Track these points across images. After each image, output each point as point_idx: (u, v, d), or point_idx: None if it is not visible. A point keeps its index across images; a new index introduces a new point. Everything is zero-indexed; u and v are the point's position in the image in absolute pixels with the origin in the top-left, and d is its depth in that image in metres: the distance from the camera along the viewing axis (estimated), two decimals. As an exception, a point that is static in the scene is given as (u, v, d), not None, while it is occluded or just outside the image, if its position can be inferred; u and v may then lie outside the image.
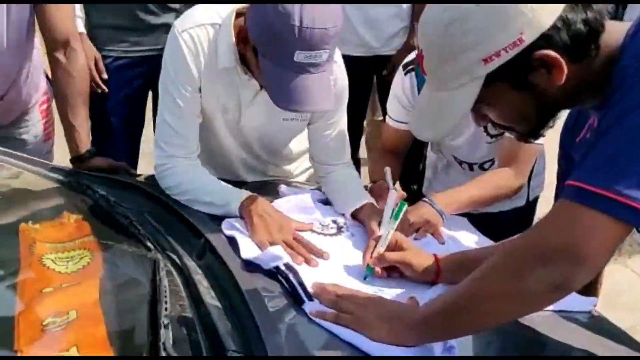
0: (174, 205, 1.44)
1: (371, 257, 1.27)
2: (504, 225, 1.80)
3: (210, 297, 1.09)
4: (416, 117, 1.08)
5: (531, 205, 1.95)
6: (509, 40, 0.89)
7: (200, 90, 1.47)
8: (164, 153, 1.48)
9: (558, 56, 0.90)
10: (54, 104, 1.91)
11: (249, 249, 1.27)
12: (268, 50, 1.29)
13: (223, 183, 1.49)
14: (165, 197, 1.47)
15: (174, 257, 1.23)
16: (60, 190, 1.50)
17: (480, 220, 1.62)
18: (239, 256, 1.25)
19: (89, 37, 2.31)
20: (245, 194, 1.43)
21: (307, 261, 1.29)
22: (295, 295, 1.13)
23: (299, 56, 1.25)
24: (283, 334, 1.03)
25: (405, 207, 1.40)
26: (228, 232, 1.33)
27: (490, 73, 0.92)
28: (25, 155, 1.65)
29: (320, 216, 1.48)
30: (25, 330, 0.92)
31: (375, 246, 1.30)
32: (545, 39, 0.89)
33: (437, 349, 1.01)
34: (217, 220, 1.39)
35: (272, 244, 1.30)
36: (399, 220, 1.36)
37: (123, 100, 2.40)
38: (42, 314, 0.97)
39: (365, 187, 1.65)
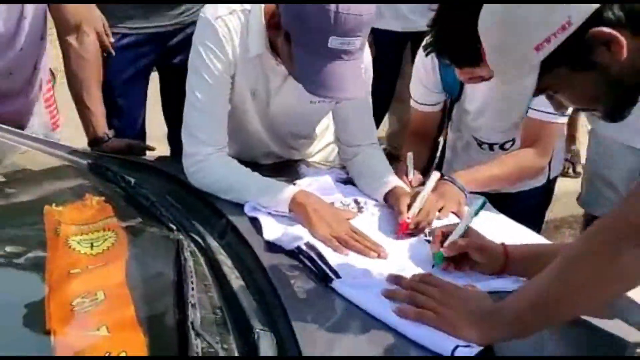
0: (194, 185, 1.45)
1: (442, 247, 1.23)
2: (523, 204, 1.81)
3: (234, 277, 1.10)
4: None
5: (551, 184, 1.94)
6: (556, 25, 0.90)
7: (233, 76, 1.46)
8: (195, 140, 1.45)
9: (613, 31, 0.89)
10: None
11: (271, 230, 1.27)
12: (302, 36, 1.28)
13: (261, 177, 1.45)
14: (185, 177, 1.48)
15: (197, 237, 1.24)
16: (81, 173, 1.51)
17: (499, 200, 1.62)
18: (262, 236, 1.26)
19: None
20: (294, 189, 1.40)
21: (366, 253, 1.26)
22: (320, 273, 1.14)
23: (333, 42, 1.25)
24: (308, 311, 1.03)
25: (486, 204, 1.34)
26: (250, 214, 1.34)
27: (547, 59, 0.92)
28: (45, 138, 1.66)
29: (341, 196, 1.48)
30: (55, 310, 0.94)
31: (443, 235, 1.25)
32: (596, 18, 0.89)
33: None
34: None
35: (336, 238, 1.28)
36: (476, 217, 1.29)
37: (127, 79, 2.34)
38: (71, 294, 0.98)
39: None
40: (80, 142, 1.78)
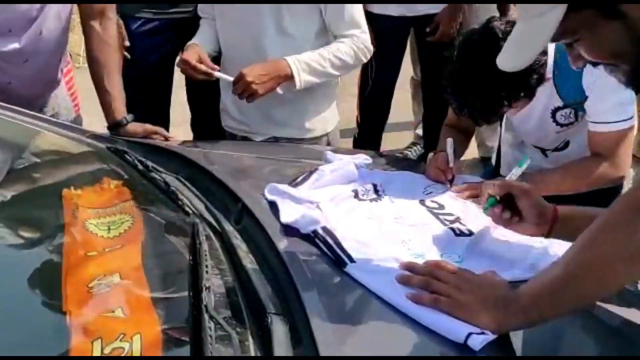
0: (211, 170, 1.45)
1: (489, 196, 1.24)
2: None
3: (249, 261, 1.10)
4: (503, 49, 1.04)
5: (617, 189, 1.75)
6: None
7: None
8: None
9: None
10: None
11: (288, 213, 1.27)
12: None
13: None
14: (202, 162, 1.49)
15: (213, 221, 1.24)
16: (99, 157, 1.52)
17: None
18: (277, 220, 1.26)
19: None
20: None
21: None
22: (335, 257, 1.14)
23: None
24: (322, 297, 1.03)
25: (528, 160, 1.46)
26: (270, 197, 1.34)
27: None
28: (63, 122, 1.68)
29: (362, 182, 1.47)
30: (72, 292, 0.95)
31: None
32: None
33: None
34: (254, 185, 1.40)
35: None
36: (523, 168, 1.42)
37: (153, 65, 2.39)
38: (88, 276, 1.00)
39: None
40: (99, 128, 1.80)
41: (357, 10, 1.83)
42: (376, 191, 1.46)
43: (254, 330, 0.93)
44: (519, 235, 1.28)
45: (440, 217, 1.39)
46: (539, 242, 1.29)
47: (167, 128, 2.50)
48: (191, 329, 0.91)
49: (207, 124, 2.36)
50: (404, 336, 0.98)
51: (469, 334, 0.96)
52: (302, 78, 1.77)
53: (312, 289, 1.03)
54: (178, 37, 2.28)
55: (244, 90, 1.74)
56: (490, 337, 0.96)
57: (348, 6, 1.79)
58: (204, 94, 2.30)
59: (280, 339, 0.92)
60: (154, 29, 2.34)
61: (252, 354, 0.90)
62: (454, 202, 1.46)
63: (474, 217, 1.39)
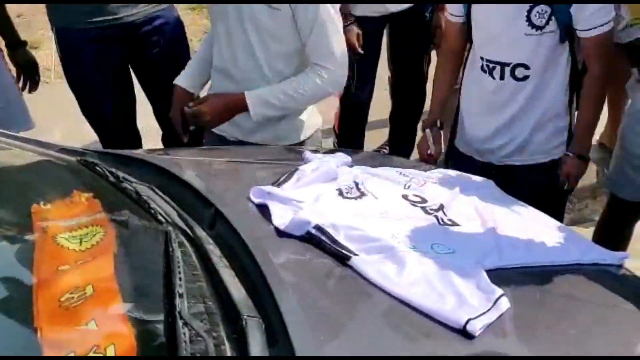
0: (183, 177, 1.44)
1: None
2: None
3: (222, 266, 1.10)
4: None
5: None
6: None
7: None
8: None
9: None
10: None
11: (280, 216, 1.27)
12: None
13: None
14: (174, 169, 1.48)
15: (186, 228, 1.24)
16: (68, 170, 1.51)
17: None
18: (251, 223, 1.26)
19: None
20: None
21: None
22: (336, 254, 1.16)
23: None
24: (297, 298, 1.03)
25: None
26: (257, 200, 1.34)
27: None
28: (31, 138, 1.66)
29: (344, 181, 1.48)
30: (43, 307, 0.94)
31: None
32: None
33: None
34: (228, 189, 1.40)
35: None
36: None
37: (106, 75, 2.27)
38: (59, 290, 0.98)
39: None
40: (73, 144, 1.78)
41: (338, 43, 1.80)
42: (358, 189, 1.47)
43: (229, 333, 0.94)
44: (508, 223, 1.35)
45: (424, 209, 1.41)
46: (529, 228, 1.33)
47: (139, 142, 2.47)
48: (166, 336, 0.91)
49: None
50: (379, 333, 0.99)
51: (468, 320, 1.00)
52: (257, 112, 1.80)
53: (286, 290, 1.03)
54: (124, 45, 2.22)
55: (194, 115, 1.82)
56: (488, 322, 0.99)
57: (330, 39, 1.77)
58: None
59: (256, 340, 0.92)
60: (97, 38, 2.20)
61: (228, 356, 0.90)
62: (435, 193, 1.48)
63: (456, 206, 1.41)
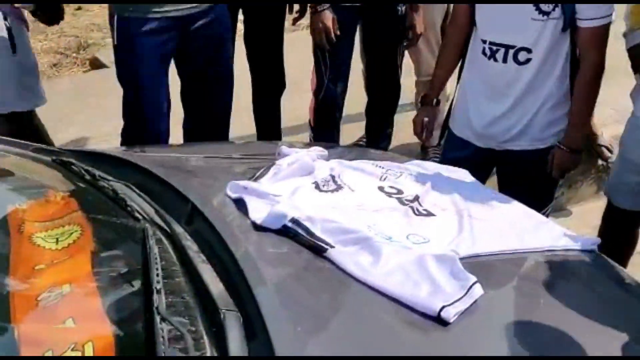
0: (159, 173, 1.44)
1: None
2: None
3: (200, 261, 1.11)
4: None
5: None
6: None
7: None
8: None
9: None
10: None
11: (257, 210, 1.28)
12: None
13: None
14: (150, 166, 1.48)
15: (163, 225, 1.24)
16: (44, 169, 1.50)
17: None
18: (228, 218, 1.26)
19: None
20: None
21: None
22: (312, 246, 1.18)
23: None
24: (275, 290, 1.05)
25: None
26: (234, 195, 1.34)
27: None
28: (5, 138, 1.65)
29: (320, 173, 1.49)
30: (20, 307, 0.94)
31: None
32: None
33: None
34: (204, 184, 1.41)
35: None
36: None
37: (160, 69, 2.32)
38: (37, 289, 0.99)
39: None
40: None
41: None
42: (335, 182, 1.48)
43: (207, 327, 0.94)
44: (482, 211, 1.38)
45: (400, 200, 1.43)
46: (503, 216, 1.36)
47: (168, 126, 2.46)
48: (144, 332, 0.91)
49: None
50: (356, 323, 1.01)
51: (442, 307, 1.03)
52: None
53: (264, 283, 1.04)
54: (176, 36, 2.26)
55: None
56: (463, 308, 1.04)
57: None
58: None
59: (235, 334, 0.93)
60: (154, 29, 2.25)
61: (207, 350, 0.91)
62: (411, 185, 1.50)
63: (431, 197, 1.44)
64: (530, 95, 1.84)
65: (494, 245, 1.27)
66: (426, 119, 2.03)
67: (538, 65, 1.80)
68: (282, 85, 2.77)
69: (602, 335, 1.10)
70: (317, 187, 1.45)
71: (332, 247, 1.18)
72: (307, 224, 1.23)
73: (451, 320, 1.03)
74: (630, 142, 1.94)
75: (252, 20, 2.64)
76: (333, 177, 1.50)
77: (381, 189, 1.48)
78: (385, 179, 1.53)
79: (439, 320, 1.03)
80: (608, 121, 3.06)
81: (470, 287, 1.09)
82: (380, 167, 1.59)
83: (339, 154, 1.70)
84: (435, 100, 2.06)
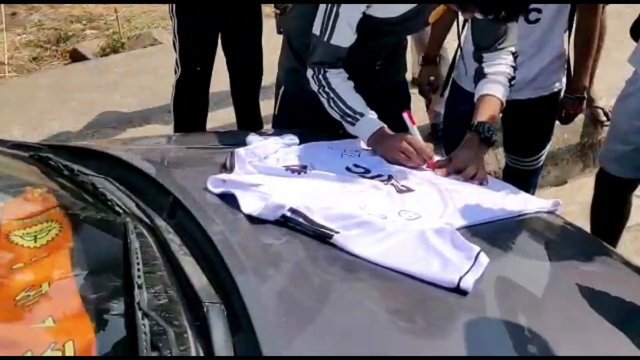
0: (139, 166, 1.42)
1: None
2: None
3: (182, 254, 1.09)
4: None
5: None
6: None
7: None
8: None
9: None
10: None
11: (249, 203, 1.26)
12: None
13: None
14: (129, 160, 1.45)
15: (145, 218, 1.22)
16: (21, 166, 1.47)
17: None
18: (210, 210, 1.24)
19: None
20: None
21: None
22: (318, 233, 1.17)
23: None
24: (258, 282, 1.03)
25: None
26: (217, 190, 1.31)
27: None
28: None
29: (283, 157, 1.48)
30: (-2, 307, 0.92)
31: None
32: None
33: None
34: (184, 176, 1.39)
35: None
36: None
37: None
38: (15, 289, 0.96)
39: None
40: (30, 139, 1.74)
41: None
42: (303, 167, 1.46)
43: (190, 321, 0.93)
44: (454, 185, 1.42)
45: (376, 178, 1.44)
46: (472, 187, 1.43)
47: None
48: (125, 328, 0.90)
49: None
50: (341, 314, 1.00)
51: (460, 278, 1.06)
52: None
53: (247, 275, 1.03)
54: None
55: None
56: (476, 277, 1.07)
57: None
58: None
59: (218, 327, 0.92)
60: None
61: (191, 344, 0.89)
62: (374, 161, 1.52)
63: (401, 173, 1.45)
64: (538, 51, 1.96)
65: (478, 215, 1.31)
66: (432, 78, 2.10)
67: (546, 25, 1.91)
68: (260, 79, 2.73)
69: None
70: (291, 171, 1.43)
71: (337, 232, 1.17)
72: (306, 212, 1.22)
73: (470, 289, 1.05)
74: (619, 111, 2.01)
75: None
76: (303, 165, 1.47)
77: (348, 169, 1.48)
78: (354, 164, 1.52)
79: (458, 290, 1.05)
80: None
81: (477, 256, 1.12)
82: (332, 148, 1.58)
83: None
84: (437, 58, 2.13)
